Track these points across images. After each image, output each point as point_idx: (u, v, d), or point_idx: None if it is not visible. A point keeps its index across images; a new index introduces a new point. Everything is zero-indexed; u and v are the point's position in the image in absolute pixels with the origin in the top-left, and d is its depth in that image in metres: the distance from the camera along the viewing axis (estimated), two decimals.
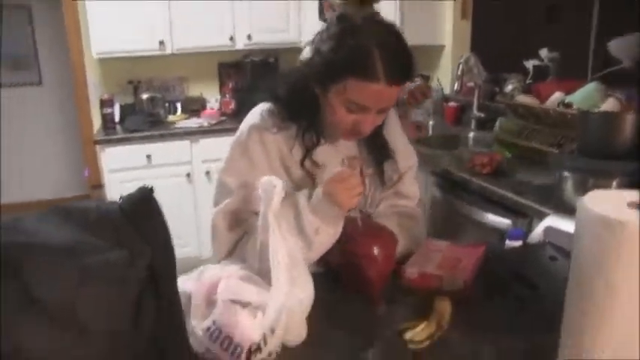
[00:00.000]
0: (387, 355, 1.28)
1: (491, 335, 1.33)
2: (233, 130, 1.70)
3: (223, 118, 4.98)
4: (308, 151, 1.62)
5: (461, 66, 4.07)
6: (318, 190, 1.50)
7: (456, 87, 4.24)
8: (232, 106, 5.03)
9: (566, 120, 3.00)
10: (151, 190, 0.90)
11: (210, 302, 1.27)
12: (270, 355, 1.24)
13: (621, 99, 2.88)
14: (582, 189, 2.18)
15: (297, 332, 1.31)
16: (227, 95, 5.11)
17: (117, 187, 4.40)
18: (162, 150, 4.56)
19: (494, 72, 4.21)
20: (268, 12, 4.95)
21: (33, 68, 6.42)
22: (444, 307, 1.39)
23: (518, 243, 1.81)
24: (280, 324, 1.22)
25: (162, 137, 4.59)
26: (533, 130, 3.26)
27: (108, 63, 4.98)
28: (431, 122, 4.46)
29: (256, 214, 1.41)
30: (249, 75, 5.08)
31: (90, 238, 0.83)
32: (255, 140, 1.60)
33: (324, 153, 1.64)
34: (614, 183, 2.21)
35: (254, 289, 1.29)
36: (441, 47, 4.72)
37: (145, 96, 4.89)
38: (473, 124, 4.14)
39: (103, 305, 0.80)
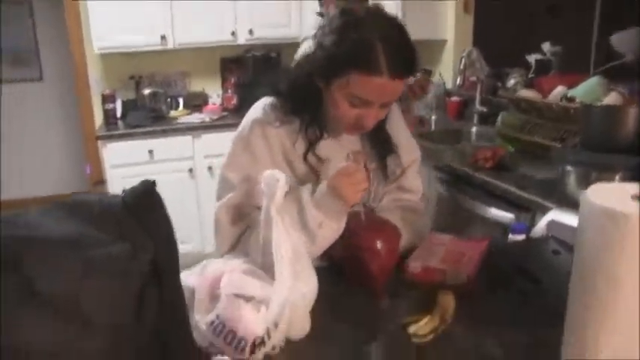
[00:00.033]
0: (390, 349, 1.28)
1: (495, 329, 1.33)
2: (235, 125, 1.70)
3: (225, 113, 4.98)
4: (311, 145, 1.61)
5: (463, 60, 4.06)
6: (323, 185, 1.50)
7: (458, 81, 4.24)
8: (234, 101, 5.03)
9: (569, 114, 2.99)
10: (153, 184, 0.90)
11: (214, 296, 1.27)
12: (273, 349, 1.25)
13: (624, 93, 2.88)
14: (585, 183, 2.17)
15: (300, 326, 1.31)
16: (229, 90, 5.11)
17: (119, 182, 4.40)
18: (165, 145, 4.56)
19: (497, 66, 4.21)
20: (270, 7, 4.94)
21: (34, 64, 6.41)
22: (448, 301, 1.39)
23: (521, 237, 1.81)
24: (284, 318, 1.22)
25: (164, 133, 4.58)
26: (535, 124, 3.25)
27: (109, 58, 4.97)
28: (433, 117, 4.44)
29: (259, 208, 1.40)
30: (251, 70, 5.07)
31: (93, 231, 0.83)
32: (258, 135, 1.60)
33: (327, 147, 1.63)
34: (617, 177, 2.21)
35: (257, 283, 1.29)
36: (444, 42, 4.71)
37: (146, 91, 4.89)
38: (475, 119, 4.14)
39: (106, 298, 0.80)
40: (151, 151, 4.50)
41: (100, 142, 4.52)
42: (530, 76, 3.89)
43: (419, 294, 1.49)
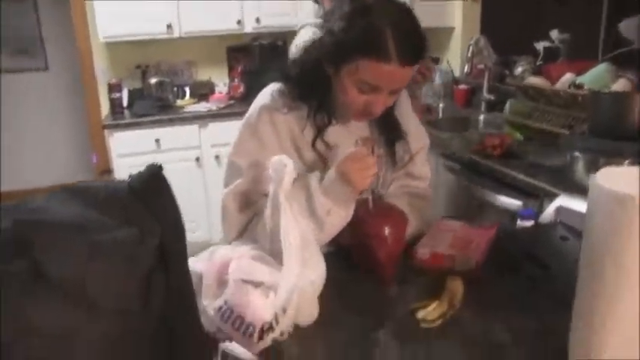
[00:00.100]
0: (399, 335, 1.28)
1: (503, 314, 1.33)
2: (242, 114, 1.69)
3: (232, 102, 4.96)
4: (319, 132, 1.61)
5: (471, 48, 4.05)
6: (331, 171, 1.49)
7: (466, 69, 4.23)
8: (241, 89, 5.02)
9: (577, 101, 2.98)
10: (160, 168, 0.89)
11: (222, 282, 1.27)
12: (282, 334, 1.24)
13: (632, 79, 2.87)
14: (593, 169, 2.16)
15: (308, 312, 1.31)
16: (236, 79, 5.10)
17: (125, 172, 4.34)
18: (171, 134, 4.55)
19: (504, 54, 4.20)
20: None
21: (39, 54, 6.41)
22: (456, 287, 1.39)
23: (529, 223, 1.80)
24: (292, 304, 1.22)
25: (170, 122, 4.58)
26: (543, 111, 3.24)
27: (115, 47, 4.96)
28: (441, 105, 4.44)
29: (266, 195, 1.40)
30: (258, 58, 5.06)
31: (99, 216, 0.83)
32: (266, 121, 1.60)
33: (335, 134, 1.63)
34: (626, 163, 2.20)
35: (266, 269, 1.28)
36: (451, 29, 4.70)
37: (153, 80, 4.88)
38: (483, 107, 4.13)
39: (113, 283, 0.80)
40: (157, 140, 4.50)
41: (106, 132, 4.51)
42: (538, 63, 3.88)
43: (427, 280, 1.49)
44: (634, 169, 1.04)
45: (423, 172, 1.86)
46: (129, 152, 4.43)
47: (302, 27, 1.60)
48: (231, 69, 5.27)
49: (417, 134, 1.81)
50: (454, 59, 4.71)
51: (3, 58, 6.20)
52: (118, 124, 4.51)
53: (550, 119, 3.17)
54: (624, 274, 0.98)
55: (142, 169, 0.90)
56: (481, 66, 4.23)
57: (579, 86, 3.01)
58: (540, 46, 3.94)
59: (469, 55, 4.10)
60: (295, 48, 1.69)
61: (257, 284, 1.25)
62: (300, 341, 1.27)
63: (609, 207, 0.98)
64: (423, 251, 1.57)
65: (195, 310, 1.00)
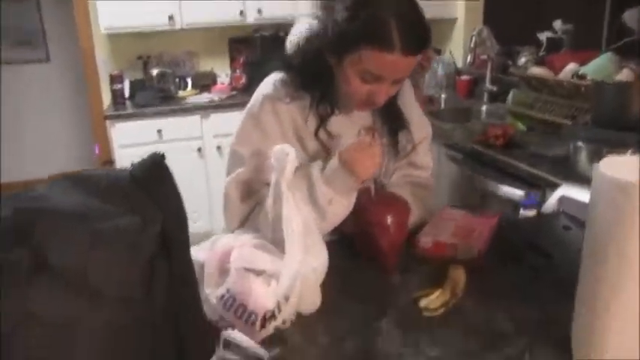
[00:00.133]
0: (401, 324, 1.28)
1: (505, 304, 1.33)
2: (244, 104, 1.68)
3: (234, 92, 4.95)
4: (322, 121, 1.60)
5: (474, 39, 4.04)
6: (334, 160, 1.49)
7: (468, 60, 4.21)
8: (243, 80, 5.01)
9: (580, 91, 2.97)
10: (162, 157, 0.89)
11: (224, 270, 1.27)
12: (284, 322, 1.24)
13: (636, 70, 2.86)
14: (596, 160, 2.16)
15: (311, 300, 1.31)
16: (237, 70, 5.09)
17: (127, 162, 4.25)
18: (173, 125, 4.55)
19: (507, 45, 4.19)
20: None
21: (40, 45, 6.40)
22: (459, 275, 1.39)
23: (532, 212, 1.80)
24: (294, 292, 1.22)
25: (172, 112, 4.57)
26: (546, 102, 3.23)
27: (116, 38, 4.95)
28: (443, 95, 4.44)
29: (268, 184, 1.40)
30: (260, 49, 5.05)
31: (101, 204, 0.82)
32: (268, 110, 1.59)
33: (338, 123, 1.62)
34: (629, 153, 2.19)
35: (268, 258, 1.28)
36: (454, 20, 4.69)
37: (154, 71, 4.86)
38: (485, 97, 4.13)
39: (115, 270, 0.80)
40: (159, 131, 4.49)
41: (108, 123, 4.50)
42: (541, 54, 3.86)
43: (430, 268, 1.49)
44: (637, 158, 1.04)
45: (425, 161, 1.86)
46: (131, 143, 4.42)
47: (298, 17, 1.59)
48: (233, 60, 5.25)
49: (419, 124, 1.81)
50: (457, 50, 4.70)
51: (4, 50, 6.19)
52: (120, 114, 4.50)
53: (553, 109, 3.17)
54: (627, 262, 0.98)
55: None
56: (484, 57, 4.22)
57: (582, 76, 3.01)
58: (543, 36, 3.93)
59: (472, 45, 4.09)
60: (290, 43, 1.69)
61: (259, 272, 1.25)
62: (302, 329, 1.27)
63: (612, 195, 0.98)
64: (425, 240, 1.57)
65: (198, 297, 1.00)
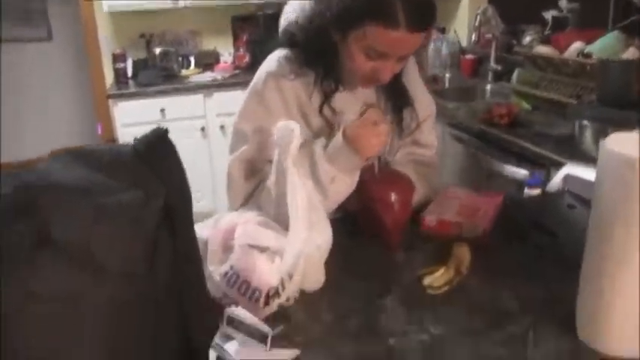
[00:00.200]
0: (405, 301, 1.27)
1: (510, 282, 1.33)
2: (247, 83, 1.67)
3: (237, 71, 4.93)
4: (326, 98, 1.59)
5: (478, 17, 4.02)
6: (337, 138, 1.47)
7: (473, 38, 4.19)
8: (246, 59, 4.99)
9: (586, 70, 2.95)
10: (165, 131, 0.88)
11: (227, 247, 1.26)
12: (288, 300, 1.24)
13: None
14: (602, 138, 2.15)
15: (315, 277, 1.30)
16: (241, 49, 5.06)
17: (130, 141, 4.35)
18: (176, 104, 4.53)
19: (512, 23, 4.16)
20: None
21: (42, 23, 6.37)
22: (463, 253, 1.38)
23: (536, 191, 1.79)
24: (298, 269, 1.22)
25: (175, 91, 4.55)
26: (551, 80, 3.22)
27: (119, 17, 4.91)
28: (447, 75, 4.42)
29: (272, 162, 1.39)
30: (263, 28, 5.02)
31: (104, 179, 0.82)
32: (272, 88, 1.58)
33: (342, 100, 1.61)
34: (635, 132, 2.18)
35: (272, 234, 1.28)
36: None
37: (157, 50, 4.84)
38: (490, 76, 4.11)
39: (119, 245, 0.79)
40: (162, 110, 4.48)
41: (110, 102, 4.49)
42: (546, 33, 3.83)
43: (434, 246, 1.49)
44: None
45: (429, 140, 1.85)
46: (134, 122, 4.40)
47: None
48: (236, 38, 5.23)
49: (424, 101, 1.79)
50: (461, 29, 4.67)
51: (5, 28, 6.16)
52: (123, 93, 4.48)
53: (558, 88, 3.15)
54: (633, 238, 0.98)
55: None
56: (488, 35, 4.20)
57: (588, 55, 2.99)
58: (549, 15, 3.89)
59: (476, 24, 4.08)
60: (285, 20, 1.68)
61: (263, 249, 1.25)
62: (306, 307, 1.27)
63: (619, 171, 0.98)
64: (430, 218, 1.57)
65: (202, 274, 1.00)
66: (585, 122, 2.37)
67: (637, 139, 1.02)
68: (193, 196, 0.90)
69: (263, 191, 1.51)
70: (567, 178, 1.76)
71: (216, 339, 1.09)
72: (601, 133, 2.25)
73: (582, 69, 2.98)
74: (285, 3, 1.71)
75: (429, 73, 4.37)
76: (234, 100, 1.83)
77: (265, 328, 1.11)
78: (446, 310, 1.24)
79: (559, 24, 3.82)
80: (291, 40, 1.62)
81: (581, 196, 1.65)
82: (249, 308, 1.16)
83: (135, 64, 4.82)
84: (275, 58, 1.62)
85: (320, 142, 1.51)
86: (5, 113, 6.33)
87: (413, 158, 1.80)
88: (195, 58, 5.04)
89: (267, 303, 1.19)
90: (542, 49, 3.35)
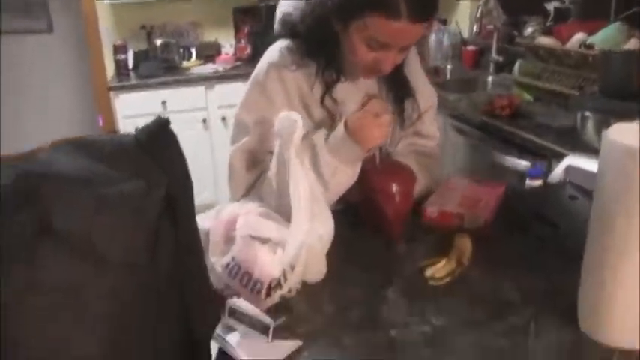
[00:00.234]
0: (407, 292, 1.27)
1: (512, 273, 1.33)
2: (248, 75, 1.66)
3: (238, 63, 4.92)
4: (328, 88, 1.59)
5: (480, 9, 4.01)
6: (339, 129, 1.47)
7: (475, 30, 4.18)
8: (247, 51, 4.98)
9: (587, 61, 2.95)
10: (167, 121, 0.88)
11: (229, 239, 1.26)
12: (289, 291, 1.24)
13: None
14: (604, 129, 2.15)
15: (317, 269, 1.30)
16: (242, 40, 5.05)
17: None
18: (177, 96, 4.52)
19: (514, 15, 4.14)
20: None
21: (42, 15, 6.34)
22: (465, 244, 1.38)
23: (538, 183, 1.79)
24: (300, 260, 1.22)
25: (177, 83, 4.54)
26: (553, 72, 3.21)
27: (120, 8, 4.90)
28: (449, 66, 4.41)
29: (273, 153, 1.39)
30: (264, 20, 5.00)
31: (105, 169, 0.82)
32: (274, 78, 1.58)
33: (344, 90, 1.61)
34: (637, 123, 2.17)
35: (273, 226, 1.28)
36: None
37: (158, 42, 4.83)
38: (491, 68, 4.10)
39: (120, 235, 0.79)
40: (164, 102, 4.47)
41: (112, 93, 4.48)
42: (548, 24, 3.82)
43: (436, 237, 1.49)
44: None
45: (431, 131, 1.84)
46: (135, 114, 4.39)
47: None
48: (237, 30, 5.21)
49: (425, 92, 1.79)
50: (463, 21, 4.66)
51: (5, 20, 6.14)
52: (124, 85, 4.48)
53: (560, 80, 3.15)
54: (635, 229, 0.98)
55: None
56: (490, 27, 4.18)
57: (590, 46, 2.98)
58: (551, 6, 3.87)
59: (478, 15, 4.06)
60: (281, 13, 1.68)
61: (264, 240, 1.25)
62: (308, 298, 1.27)
63: (621, 161, 0.98)
64: (431, 209, 1.57)
65: (204, 264, 1.00)
66: (587, 113, 2.36)
67: (638, 129, 1.02)
68: (195, 188, 0.90)
69: (264, 183, 1.51)
70: (569, 170, 1.76)
71: (218, 330, 1.09)
72: (603, 125, 2.24)
73: (584, 60, 2.97)
74: None
75: (431, 64, 4.36)
76: (236, 91, 1.83)
77: (267, 319, 1.11)
78: (447, 301, 1.24)
79: (561, 15, 3.81)
80: (292, 31, 1.62)
81: (582, 188, 1.65)
82: (251, 299, 1.16)
83: (136, 55, 4.82)
84: (277, 49, 1.62)
85: (321, 133, 1.51)
86: (6, 106, 6.32)
87: (414, 149, 1.80)
88: (196, 50, 5.04)
89: (268, 294, 1.19)
90: (544, 41, 3.34)
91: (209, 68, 4.77)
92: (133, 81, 4.55)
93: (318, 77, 1.58)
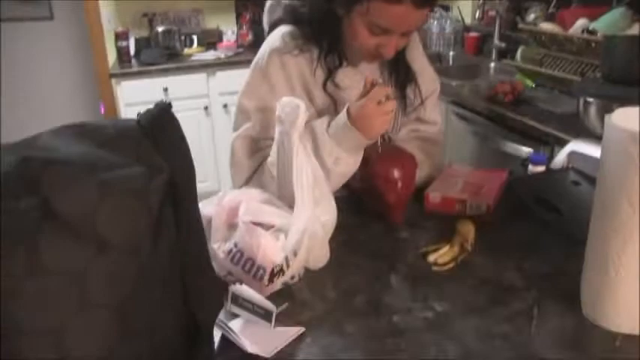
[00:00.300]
0: (409, 278, 1.27)
1: (515, 258, 1.33)
2: (250, 62, 1.66)
3: (240, 50, 4.91)
4: (330, 73, 1.58)
5: None
6: (341, 116, 1.46)
7: (477, 16, 4.17)
8: (249, 37, 4.98)
9: (590, 47, 2.93)
10: (169, 106, 0.88)
11: (232, 225, 1.26)
12: (292, 278, 1.24)
13: None
14: (606, 115, 2.14)
15: (319, 255, 1.30)
16: (244, 27, 5.04)
17: None
18: (179, 83, 4.52)
19: (516, 0, 4.12)
20: None
21: (43, 2, 6.32)
22: (468, 230, 1.38)
23: (540, 168, 1.79)
24: (303, 246, 1.21)
25: (178, 70, 4.54)
26: (555, 58, 3.20)
27: None
28: (451, 53, 4.40)
29: (274, 140, 1.38)
30: None
31: (108, 153, 0.81)
32: (275, 64, 1.57)
33: (346, 75, 1.60)
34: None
35: (276, 212, 1.28)
36: None
37: (160, 29, 4.82)
38: (494, 54, 4.09)
39: (123, 220, 0.79)
40: (165, 89, 4.47)
41: (113, 81, 4.49)
42: (550, 10, 3.80)
43: (439, 223, 1.49)
44: None
45: (433, 116, 1.84)
46: (136, 101, 4.39)
47: None
48: (239, 16, 5.20)
49: (427, 78, 1.78)
50: (465, 7, 4.65)
51: (6, 7, 6.12)
52: (126, 72, 4.47)
53: (562, 66, 3.14)
54: (638, 212, 0.98)
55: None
56: (492, 13, 4.17)
57: (593, 32, 2.96)
58: None
59: (480, 1, 4.05)
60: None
61: (267, 227, 1.24)
62: (310, 284, 1.27)
63: (624, 145, 0.97)
64: (434, 195, 1.56)
65: (206, 250, 1.00)
66: (589, 99, 2.35)
67: None
68: (197, 175, 0.90)
69: (265, 171, 1.51)
70: (571, 155, 1.76)
71: (221, 317, 1.09)
72: (605, 110, 2.24)
73: (587, 46, 2.96)
74: None
75: (433, 50, 4.35)
76: (238, 78, 1.82)
77: (270, 305, 1.11)
78: (450, 287, 1.24)
79: (563, 1, 3.79)
80: (294, 16, 1.61)
81: (585, 173, 1.65)
82: (254, 286, 1.15)
83: (137, 43, 4.81)
84: (278, 35, 1.61)
85: (322, 121, 1.50)
86: (6, 93, 6.31)
87: (417, 135, 1.80)
88: (197, 37, 5.02)
89: (271, 281, 1.19)
90: (547, 27, 3.32)
91: (211, 55, 4.76)
92: (135, 68, 4.55)
93: (320, 62, 1.57)
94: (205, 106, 4.61)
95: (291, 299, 1.21)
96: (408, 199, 1.51)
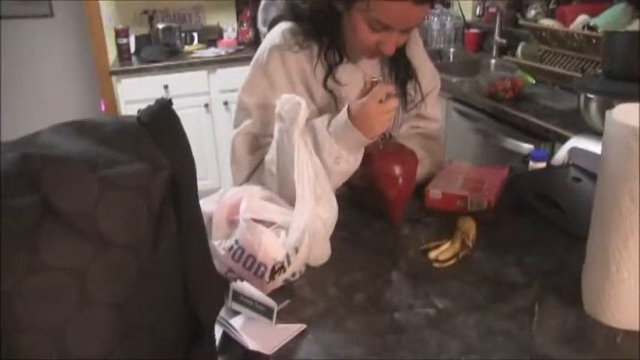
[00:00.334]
0: (411, 275, 1.27)
1: (516, 255, 1.33)
2: (250, 59, 1.66)
3: (241, 47, 4.91)
4: (330, 70, 1.58)
5: None
6: (342, 115, 1.44)
7: (477, 12, 4.16)
8: (250, 34, 4.97)
9: (591, 43, 2.93)
10: (169, 102, 0.88)
11: (232, 222, 1.26)
12: (293, 275, 1.24)
13: None
14: (607, 111, 2.14)
15: (321, 252, 1.30)
16: (244, 24, 5.04)
17: None
18: (180, 80, 4.51)
19: None
20: None
21: (43, 0, 6.31)
22: (469, 227, 1.38)
23: (541, 165, 1.79)
24: (304, 244, 1.21)
25: (179, 67, 4.53)
26: (556, 54, 3.20)
27: None
28: (451, 49, 4.40)
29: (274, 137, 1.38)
30: None
31: (109, 150, 0.81)
32: (276, 60, 1.57)
33: (346, 72, 1.60)
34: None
35: (277, 209, 1.28)
36: None
37: (160, 26, 4.82)
38: (494, 50, 4.08)
39: (124, 218, 0.79)
40: (166, 87, 4.46)
41: (114, 78, 4.48)
42: (551, 6, 3.80)
43: (440, 220, 1.49)
44: None
45: (433, 113, 1.83)
46: (137, 99, 4.39)
47: None
48: (239, 14, 5.20)
49: (428, 74, 1.78)
50: (465, 4, 4.64)
51: (6, 4, 6.12)
52: (126, 70, 4.47)
53: (563, 62, 3.13)
54: (639, 208, 0.98)
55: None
56: (493, 9, 4.17)
57: (593, 28, 2.96)
58: None
59: None
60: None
61: (268, 224, 1.24)
62: (311, 281, 1.27)
63: (625, 141, 0.98)
64: (434, 192, 1.56)
65: (207, 246, 0.99)
66: (590, 95, 2.35)
67: None
68: (197, 173, 0.90)
69: (265, 169, 1.50)
70: (572, 151, 1.76)
71: (222, 314, 1.09)
72: (606, 106, 2.23)
73: (588, 42, 2.95)
74: None
75: (433, 47, 4.35)
76: (238, 75, 1.81)
77: (271, 302, 1.11)
78: (451, 284, 1.24)
79: None
80: (294, 13, 1.61)
81: (586, 169, 1.64)
82: (255, 283, 1.16)
83: (138, 40, 4.81)
84: (279, 31, 1.61)
85: (322, 119, 1.48)
86: (6, 91, 6.31)
87: (417, 132, 1.79)
88: (198, 34, 5.02)
89: (272, 278, 1.19)
90: (547, 23, 3.32)
91: (211, 52, 4.75)
92: (135, 65, 4.54)
93: (321, 59, 1.57)
94: (206, 103, 4.60)
95: (292, 296, 1.21)
96: (408, 195, 1.51)
